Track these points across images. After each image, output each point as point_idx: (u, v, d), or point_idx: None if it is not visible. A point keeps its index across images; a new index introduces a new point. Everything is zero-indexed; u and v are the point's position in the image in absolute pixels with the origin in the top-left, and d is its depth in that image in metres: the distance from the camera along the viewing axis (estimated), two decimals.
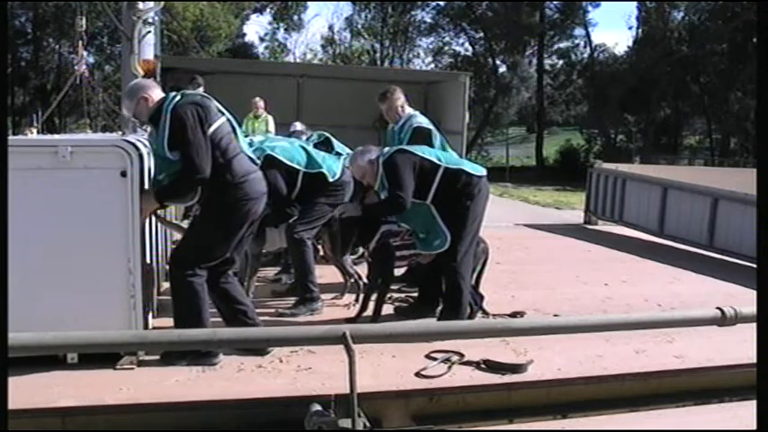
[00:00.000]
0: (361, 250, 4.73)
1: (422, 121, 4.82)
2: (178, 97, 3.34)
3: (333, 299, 4.65)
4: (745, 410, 2.68)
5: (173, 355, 3.26)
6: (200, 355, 3.27)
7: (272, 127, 8.71)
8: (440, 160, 4.05)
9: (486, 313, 4.33)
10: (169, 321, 3.88)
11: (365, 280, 4.46)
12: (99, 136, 6.14)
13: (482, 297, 4.32)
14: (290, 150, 4.47)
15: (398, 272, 4.84)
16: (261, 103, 8.77)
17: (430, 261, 4.18)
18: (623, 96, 28.88)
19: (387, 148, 4.24)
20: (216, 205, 3.37)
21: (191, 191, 3.36)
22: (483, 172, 4.16)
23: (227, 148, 3.36)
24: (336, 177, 4.47)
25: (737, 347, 3.30)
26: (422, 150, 4.13)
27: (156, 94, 3.42)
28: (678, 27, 30.70)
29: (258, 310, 3.77)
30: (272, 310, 4.35)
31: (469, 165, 4.23)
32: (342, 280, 4.75)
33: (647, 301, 4.92)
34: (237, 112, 5.06)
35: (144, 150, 3.37)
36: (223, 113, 3.44)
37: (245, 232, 3.52)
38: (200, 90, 7.40)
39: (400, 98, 4.85)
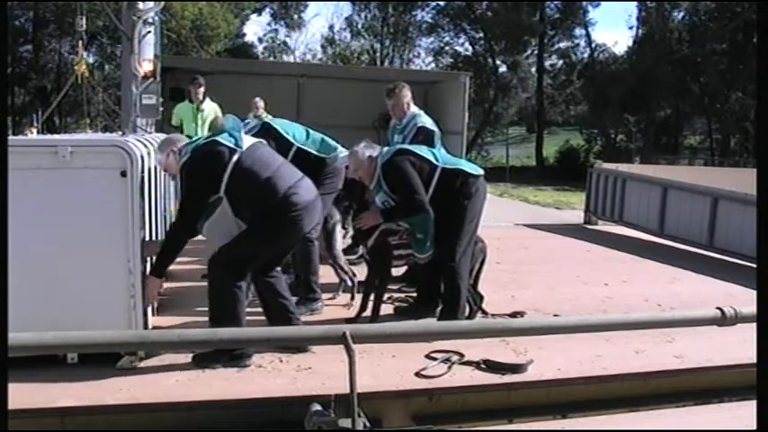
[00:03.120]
0: (360, 250, 4.72)
1: (426, 121, 4.83)
2: (188, 155, 3.40)
3: (329, 299, 4.64)
4: (745, 410, 2.67)
5: (208, 357, 3.25)
6: (235, 356, 3.27)
7: None
8: (437, 160, 4.07)
9: (485, 313, 4.32)
10: (169, 321, 3.90)
11: (357, 278, 4.46)
12: (99, 136, 6.14)
13: (481, 297, 4.32)
14: (289, 125, 4.55)
15: (399, 271, 4.84)
16: (261, 104, 8.73)
17: (428, 260, 4.18)
18: (623, 96, 28.84)
19: (387, 148, 4.24)
20: (268, 222, 3.39)
21: (180, 239, 3.45)
22: (480, 172, 4.17)
23: (258, 174, 3.37)
24: (330, 156, 4.48)
25: (737, 347, 3.29)
26: (420, 149, 4.14)
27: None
28: (678, 27, 30.69)
29: (257, 310, 3.76)
30: None
31: (467, 164, 4.24)
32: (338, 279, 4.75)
33: (647, 301, 4.92)
34: (237, 112, 5.06)
35: (144, 151, 3.37)
36: (240, 148, 3.40)
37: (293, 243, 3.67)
38: (202, 90, 7.42)
39: (407, 96, 4.87)
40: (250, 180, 3.36)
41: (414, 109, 4.90)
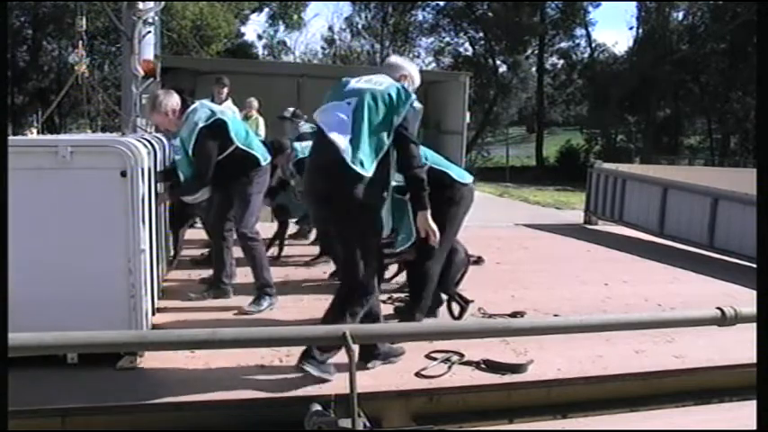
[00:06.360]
0: None
1: None
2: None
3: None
4: (745, 410, 2.67)
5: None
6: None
7: (261, 129, 8.58)
8: (426, 159, 4.04)
9: (460, 315, 4.29)
10: (169, 321, 3.90)
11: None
12: (99, 136, 6.14)
13: (467, 300, 4.29)
14: (237, 123, 4.56)
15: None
16: (255, 104, 8.70)
17: (411, 257, 4.16)
18: (623, 96, 28.88)
19: None
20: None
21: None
22: (469, 179, 4.12)
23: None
24: (267, 162, 4.55)
25: (737, 347, 3.29)
26: None
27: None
28: (678, 27, 30.70)
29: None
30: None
31: (456, 170, 4.18)
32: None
33: (647, 301, 4.92)
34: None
35: (144, 150, 3.37)
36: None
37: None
38: (225, 90, 7.46)
39: None
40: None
41: None
